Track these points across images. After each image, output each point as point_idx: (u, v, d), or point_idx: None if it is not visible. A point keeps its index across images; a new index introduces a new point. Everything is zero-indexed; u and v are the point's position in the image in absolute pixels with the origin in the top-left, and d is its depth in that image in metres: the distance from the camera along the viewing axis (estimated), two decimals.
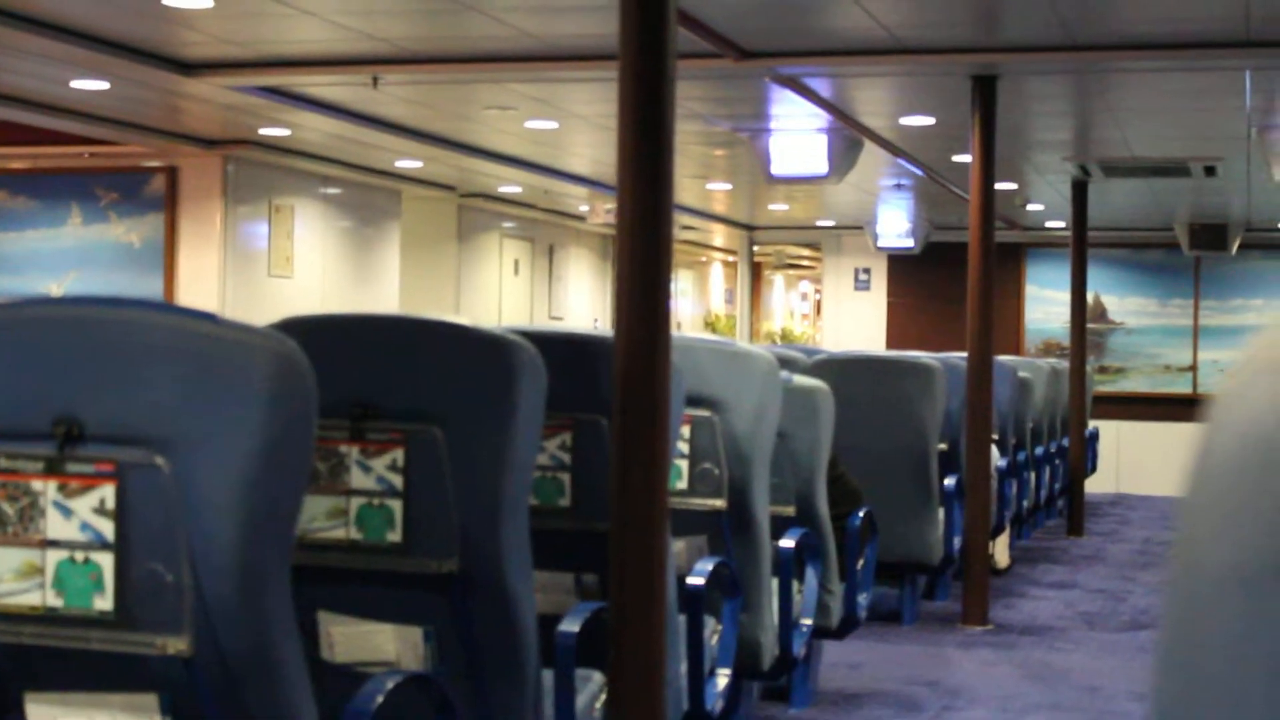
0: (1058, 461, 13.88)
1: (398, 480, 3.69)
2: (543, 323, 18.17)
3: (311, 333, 3.49)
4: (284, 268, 13.63)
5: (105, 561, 2.91)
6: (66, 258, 13.24)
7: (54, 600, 2.94)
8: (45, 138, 12.53)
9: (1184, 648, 0.90)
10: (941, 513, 9.19)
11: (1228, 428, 0.89)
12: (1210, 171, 13.34)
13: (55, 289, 12.97)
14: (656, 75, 4.39)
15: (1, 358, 3.05)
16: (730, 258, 24.95)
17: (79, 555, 2.92)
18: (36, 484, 2.93)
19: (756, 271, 22.76)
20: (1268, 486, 0.85)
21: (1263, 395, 0.87)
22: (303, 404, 3.01)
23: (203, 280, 12.89)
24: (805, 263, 27.31)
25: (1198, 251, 18.00)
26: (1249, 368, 0.89)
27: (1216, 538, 0.88)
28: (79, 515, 2.91)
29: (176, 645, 2.89)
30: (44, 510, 2.93)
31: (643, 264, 4.41)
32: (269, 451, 2.93)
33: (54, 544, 2.93)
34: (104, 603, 2.92)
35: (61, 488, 2.92)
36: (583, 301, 20.12)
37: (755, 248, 21.60)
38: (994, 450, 9.92)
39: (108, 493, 2.90)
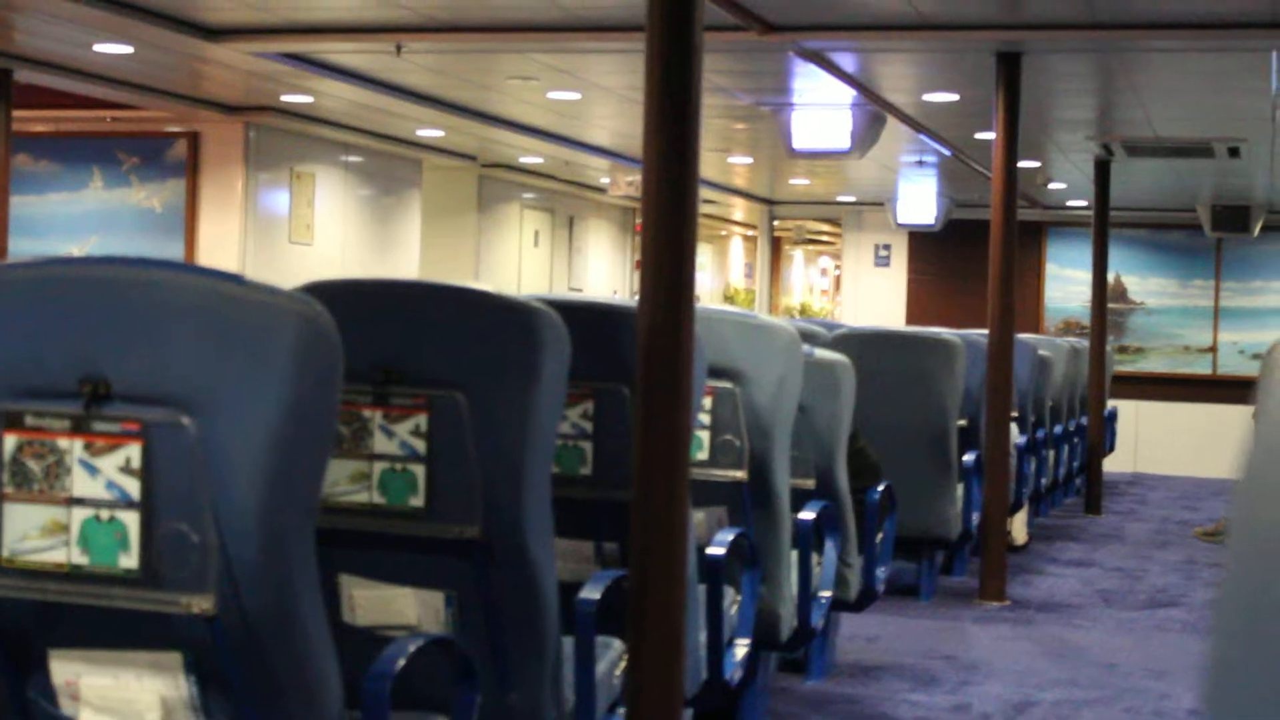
0: (1076, 440, 13.87)
1: (421, 445, 3.69)
2: (562, 294, 18.14)
3: (336, 297, 3.48)
4: (304, 235, 13.64)
5: (130, 520, 2.92)
6: (87, 222, 13.27)
7: (79, 558, 2.94)
8: (67, 101, 12.54)
9: (1249, 609, 0.91)
10: (960, 488, 9.19)
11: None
12: (1234, 153, 13.30)
13: (76, 253, 12.98)
14: (684, 47, 4.38)
15: (28, 317, 3.05)
16: (750, 232, 24.92)
17: (104, 513, 2.92)
18: (63, 442, 2.94)
19: (776, 246, 22.74)
20: None
21: None
22: (328, 367, 3.02)
23: (223, 246, 12.91)
24: (825, 238, 27.28)
25: (1219, 233, 17.96)
26: None
27: None
28: (105, 474, 2.92)
29: (201, 604, 2.90)
30: (70, 468, 2.93)
31: (667, 235, 4.40)
32: (294, 414, 2.93)
33: (79, 502, 2.94)
34: (129, 561, 2.92)
35: (88, 446, 2.93)
36: (602, 273, 20.10)
37: (775, 222, 21.56)
38: (1013, 427, 9.91)
39: (134, 452, 2.91)
